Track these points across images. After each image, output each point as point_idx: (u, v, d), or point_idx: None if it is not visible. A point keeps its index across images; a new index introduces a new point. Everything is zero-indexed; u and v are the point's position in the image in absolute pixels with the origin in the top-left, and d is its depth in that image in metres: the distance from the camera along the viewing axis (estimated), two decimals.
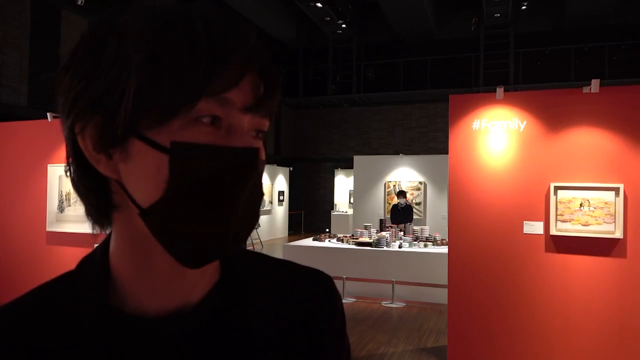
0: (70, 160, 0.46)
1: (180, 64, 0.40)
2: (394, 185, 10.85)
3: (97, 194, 0.45)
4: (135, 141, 0.41)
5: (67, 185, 5.75)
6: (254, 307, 0.50)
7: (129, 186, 0.43)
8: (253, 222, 0.46)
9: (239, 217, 0.43)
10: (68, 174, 0.47)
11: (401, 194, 8.67)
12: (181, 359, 0.46)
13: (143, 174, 0.42)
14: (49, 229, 5.84)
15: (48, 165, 5.85)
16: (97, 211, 0.46)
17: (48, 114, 5.87)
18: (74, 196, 5.72)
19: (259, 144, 0.45)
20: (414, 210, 10.31)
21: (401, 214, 8.26)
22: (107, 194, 0.45)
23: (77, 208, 5.70)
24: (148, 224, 0.43)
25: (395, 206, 8.60)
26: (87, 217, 0.48)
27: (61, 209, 5.80)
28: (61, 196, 5.80)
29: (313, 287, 0.57)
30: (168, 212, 0.41)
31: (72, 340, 0.44)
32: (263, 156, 0.46)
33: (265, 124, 0.46)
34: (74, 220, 5.70)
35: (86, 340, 0.44)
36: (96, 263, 0.48)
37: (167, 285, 0.47)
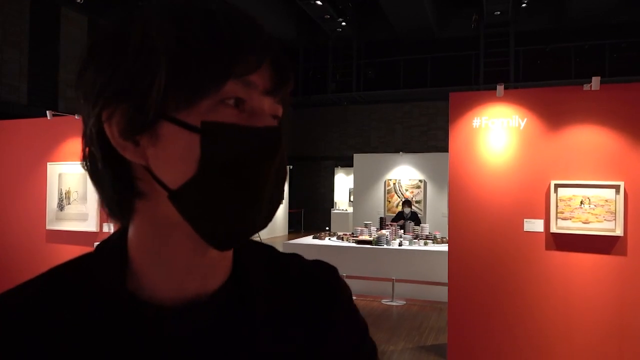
0: (89, 150, 0.47)
1: (207, 48, 0.42)
2: (394, 184, 10.85)
3: (122, 183, 0.46)
4: (165, 124, 0.43)
5: (67, 184, 5.75)
6: (263, 299, 0.52)
7: (157, 170, 0.44)
8: (279, 200, 0.47)
9: (266, 195, 0.45)
10: (86, 165, 0.47)
11: (406, 203, 8.67)
12: (193, 347, 0.47)
13: (173, 156, 0.43)
14: (48, 227, 5.84)
15: (48, 163, 5.84)
16: (120, 200, 0.47)
17: (47, 112, 5.86)
18: (74, 194, 5.73)
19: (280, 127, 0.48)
20: (414, 208, 10.31)
21: (406, 221, 8.25)
22: (131, 181, 0.46)
23: (77, 206, 5.70)
24: (177, 205, 0.43)
25: (400, 212, 8.60)
26: (108, 209, 0.48)
27: (61, 207, 5.80)
28: (61, 194, 5.80)
29: (317, 278, 0.59)
30: (199, 191, 0.43)
31: (88, 321, 0.45)
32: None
33: (280, 110, 0.49)
34: (74, 218, 5.70)
35: (102, 322, 0.45)
36: (115, 249, 0.49)
37: (185, 274, 0.47)
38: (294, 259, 0.60)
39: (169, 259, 0.47)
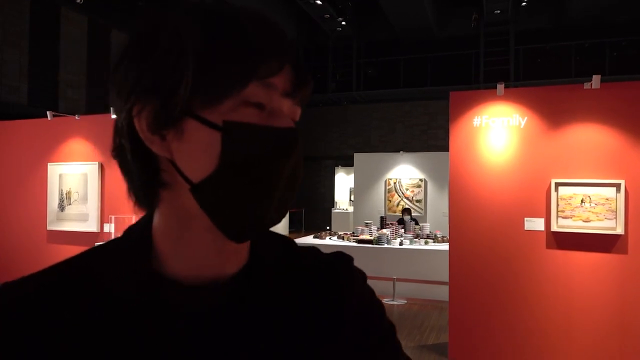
0: (119, 142, 0.50)
1: (232, 51, 0.45)
2: (395, 183, 10.85)
3: (148, 173, 0.49)
4: (190, 121, 0.45)
5: (68, 184, 5.75)
6: (277, 289, 0.54)
7: (181, 164, 0.47)
8: (292, 197, 0.50)
9: (281, 192, 0.47)
10: (116, 156, 0.51)
11: (406, 211, 8.71)
12: (206, 325, 0.49)
13: (196, 151, 0.46)
14: (49, 227, 5.85)
15: (48, 163, 5.84)
16: (145, 190, 0.50)
17: (48, 112, 5.86)
18: (74, 195, 5.74)
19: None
20: (415, 207, 10.31)
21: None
22: (157, 173, 0.49)
23: (77, 207, 5.70)
24: (198, 198, 0.46)
25: (401, 219, 8.61)
26: (135, 197, 0.51)
27: (61, 207, 5.80)
28: (61, 195, 5.80)
29: (330, 266, 0.61)
30: (218, 185, 0.45)
31: (115, 296, 0.48)
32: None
33: (298, 112, 0.52)
34: (75, 218, 5.70)
35: (127, 297, 0.48)
36: (141, 233, 0.52)
37: (203, 260, 0.50)
38: (311, 252, 0.62)
39: (188, 246, 0.50)
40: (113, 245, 0.53)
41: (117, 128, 0.50)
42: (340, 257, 0.63)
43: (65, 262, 0.52)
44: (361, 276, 0.63)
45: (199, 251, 0.50)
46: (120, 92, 0.48)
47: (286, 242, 0.61)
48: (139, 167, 0.49)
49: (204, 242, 0.50)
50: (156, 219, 0.52)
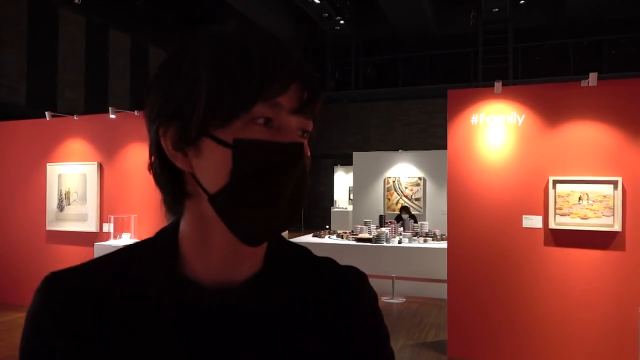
0: (153, 158, 0.56)
1: (238, 78, 0.50)
2: (394, 182, 10.85)
3: (174, 185, 0.56)
4: (206, 140, 0.51)
5: (67, 184, 5.75)
6: (287, 295, 0.58)
7: (200, 177, 0.53)
8: (300, 204, 0.55)
9: (288, 200, 0.52)
10: (151, 170, 0.57)
11: (404, 209, 8.74)
12: (218, 326, 0.55)
13: (212, 166, 0.52)
14: (48, 227, 5.85)
15: (47, 164, 5.84)
16: (173, 199, 0.57)
17: (46, 112, 5.86)
18: (73, 195, 5.74)
19: (305, 141, 0.55)
20: (414, 206, 10.32)
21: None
22: (182, 185, 0.56)
23: (76, 207, 5.70)
24: (215, 207, 0.52)
25: (399, 216, 8.64)
26: (166, 205, 0.58)
27: (61, 207, 5.80)
28: (61, 195, 5.80)
29: (345, 281, 0.64)
30: (231, 195, 0.51)
31: (141, 295, 0.55)
32: (308, 152, 0.56)
33: (309, 125, 0.56)
34: (74, 219, 5.70)
35: (152, 294, 0.55)
36: (168, 236, 0.59)
37: (221, 263, 0.56)
38: (326, 262, 0.66)
39: (208, 249, 0.56)
40: (145, 245, 0.60)
41: (150, 147, 0.57)
42: (356, 273, 0.66)
43: (104, 258, 0.59)
44: (374, 296, 0.66)
45: (217, 254, 0.56)
46: (149, 116, 0.55)
47: (302, 251, 0.65)
48: (167, 180, 0.56)
49: (222, 246, 0.55)
50: (182, 224, 0.58)
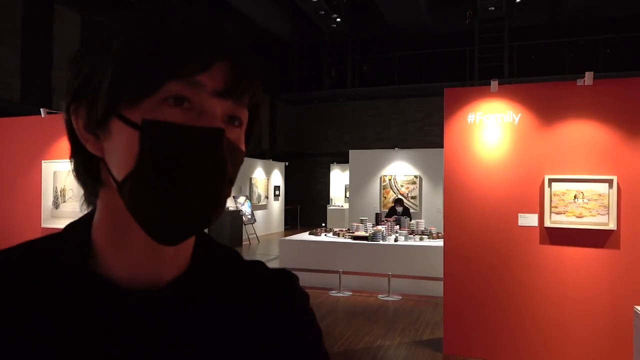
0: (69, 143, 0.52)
1: (150, 51, 0.45)
2: (390, 180, 10.87)
3: (87, 172, 0.51)
4: (115, 120, 0.46)
5: (62, 182, 5.73)
6: (211, 301, 0.53)
7: (109, 162, 0.48)
8: (219, 201, 0.48)
9: (199, 195, 0.46)
10: (70, 156, 0.53)
11: (398, 201, 8.80)
12: (139, 329, 0.48)
13: (119, 150, 0.46)
14: (44, 225, 5.82)
15: (42, 161, 5.82)
16: (86, 188, 0.52)
17: (42, 109, 5.83)
18: (69, 192, 5.71)
19: (235, 131, 0.49)
20: (410, 204, 10.34)
21: (399, 215, 8.32)
22: (96, 172, 0.50)
23: (72, 204, 5.68)
24: (122, 196, 0.47)
25: (393, 207, 8.67)
26: (83, 195, 0.53)
27: (56, 205, 5.78)
28: (56, 192, 5.78)
29: (275, 283, 0.61)
30: (136, 184, 0.45)
31: (48, 292, 0.48)
32: (241, 144, 0.50)
33: (240, 111, 0.49)
34: (69, 216, 5.68)
35: (60, 293, 0.48)
36: (80, 230, 0.53)
37: (138, 262, 0.50)
38: (256, 264, 0.62)
39: (124, 245, 0.50)
40: (52, 239, 0.53)
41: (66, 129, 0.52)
42: (286, 275, 0.63)
43: (3, 252, 0.52)
44: (305, 296, 0.63)
45: (134, 253, 0.50)
46: (65, 92, 0.50)
47: (231, 253, 0.61)
48: (80, 166, 0.51)
49: (138, 243, 0.49)
50: (95, 216, 0.52)
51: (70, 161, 0.52)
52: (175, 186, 0.45)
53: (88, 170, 0.51)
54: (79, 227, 0.53)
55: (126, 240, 0.50)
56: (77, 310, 0.47)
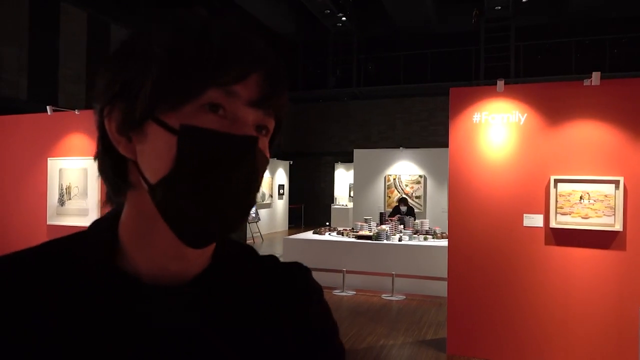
0: (98, 145, 0.53)
1: (193, 59, 0.47)
2: (394, 179, 10.85)
3: (117, 174, 0.52)
4: (151, 124, 0.48)
5: (68, 179, 5.75)
6: (232, 295, 0.55)
7: (142, 165, 0.49)
8: (247, 209, 0.50)
9: (231, 200, 0.48)
10: (96, 157, 0.54)
11: (402, 201, 8.78)
12: (164, 325, 0.50)
13: (155, 153, 0.48)
14: (49, 222, 5.85)
15: (48, 158, 5.84)
16: (113, 188, 0.53)
17: (48, 107, 5.85)
18: (74, 190, 5.74)
19: (263, 140, 0.51)
20: (414, 204, 10.32)
21: (403, 215, 8.30)
22: (124, 173, 0.52)
23: (77, 201, 5.70)
24: (154, 198, 0.49)
25: (397, 207, 8.66)
26: (107, 194, 0.55)
27: (62, 202, 5.80)
28: (61, 190, 5.80)
29: (290, 277, 0.62)
30: (172, 187, 0.47)
31: (75, 291, 0.50)
32: (267, 153, 0.52)
33: (269, 121, 0.52)
34: (75, 213, 5.71)
35: (88, 292, 0.50)
36: (106, 228, 0.54)
37: (165, 261, 0.52)
38: (270, 259, 0.64)
39: (150, 245, 0.51)
40: (79, 237, 0.55)
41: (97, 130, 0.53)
42: (300, 267, 0.64)
43: (32, 250, 0.53)
44: (319, 289, 0.64)
45: (158, 251, 0.51)
46: (97, 96, 0.51)
47: (246, 249, 0.63)
48: (108, 167, 0.52)
49: (164, 243, 0.51)
50: (123, 215, 0.54)
51: (96, 161, 0.54)
52: (209, 192, 0.47)
53: (116, 172, 0.52)
54: (104, 225, 0.55)
55: (153, 240, 0.51)
56: (103, 305, 0.49)
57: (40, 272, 0.51)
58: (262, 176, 0.51)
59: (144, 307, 0.50)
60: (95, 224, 0.56)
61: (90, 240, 0.54)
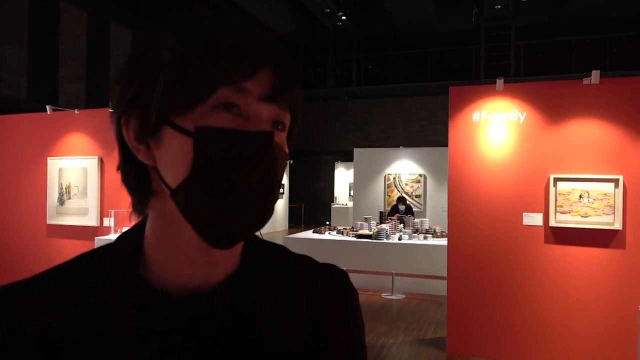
0: (119, 155, 0.53)
1: (201, 59, 0.47)
2: (394, 178, 10.85)
3: (140, 182, 0.52)
4: (167, 128, 0.48)
5: (67, 178, 5.76)
6: (264, 298, 0.54)
7: (162, 170, 0.49)
8: (271, 203, 0.50)
9: (253, 197, 0.48)
10: (118, 168, 0.54)
11: (401, 200, 8.79)
12: (193, 333, 0.50)
13: (172, 157, 0.48)
14: (49, 221, 5.86)
15: (48, 158, 5.85)
16: (137, 197, 0.53)
17: (47, 107, 5.86)
18: (74, 189, 5.74)
19: (280, 135, 0.51)
20: (414, 203, 10.32)
21: (402, 214, 8.32)
22: (147, 181, 0.52)
23: (77, 201, 5.71)
24: (176, 202, 0.48)
25: (395, 206, 8.67)
26: (132, 204, 0.55)
27: (61, 201, 5.81)
28: (61, 189, 5.81)
29: (329, 280, 0.61)
30: (192, 189, 0.47)
31: (101, 300, 0.50)
32: (285, 148, 0.52)
33: (284, 116, 0.52)
34: (74, 213, 5.71)
35: (113, 302, 0.49)
36: (132, 240, 0.54)
37: (190, 267, 0.51)
38: (305, 260, 0.63)
39: (175, 252, 0.51)
40: (105, 250, 0.55)
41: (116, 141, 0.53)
42: (337, 270, 0.63)
43: (59, 267, 0.53)
44: (356, 294, 0.64)
45: (185, 256, 0.51)
46: (113, 105, 0.51)
47: (279, 249, 0.62)
48: (132, 176, 0.52)
49: (190, 247, 0.50)
50: (147, 226, 0.53)
51: (119, 171, 0.54)
52: (230, 190, 0.47)
53: (138, 180, 0.52)
54: (130, 238, 0.54)
55: (178, 246, 0.51)
56: (127, 317, 0.49)
57: (69, 287, 0.51)
58: (282, 170, 0.51)
59: (168, 317, 0.50)
60: (121, 236, 0.56)
61: (115, 252, 0.54)
